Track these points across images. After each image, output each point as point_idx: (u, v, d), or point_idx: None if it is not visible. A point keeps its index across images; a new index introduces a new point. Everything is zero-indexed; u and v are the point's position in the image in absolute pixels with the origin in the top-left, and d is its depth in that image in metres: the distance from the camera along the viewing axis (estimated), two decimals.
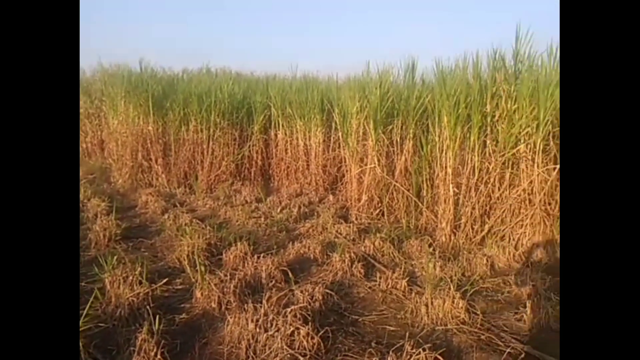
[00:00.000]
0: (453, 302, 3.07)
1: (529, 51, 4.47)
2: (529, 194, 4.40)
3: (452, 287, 3.17)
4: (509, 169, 4.55)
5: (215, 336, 2.86)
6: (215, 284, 3.27)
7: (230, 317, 2.84)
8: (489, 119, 4.60)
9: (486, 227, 4.57)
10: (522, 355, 2.66)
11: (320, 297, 3.21)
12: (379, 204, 5.73)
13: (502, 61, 4.55)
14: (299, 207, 6.00)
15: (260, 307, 2.87)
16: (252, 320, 2.76)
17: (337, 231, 4.95)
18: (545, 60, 4.43)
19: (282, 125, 7.73)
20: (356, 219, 5.58)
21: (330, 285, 3.57)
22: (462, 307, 3.06)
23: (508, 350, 2.70)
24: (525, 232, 4.35)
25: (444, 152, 4.79)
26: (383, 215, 5.64)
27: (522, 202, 4.45)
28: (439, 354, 2.51)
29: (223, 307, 3.18)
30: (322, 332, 2.78)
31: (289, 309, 2.84)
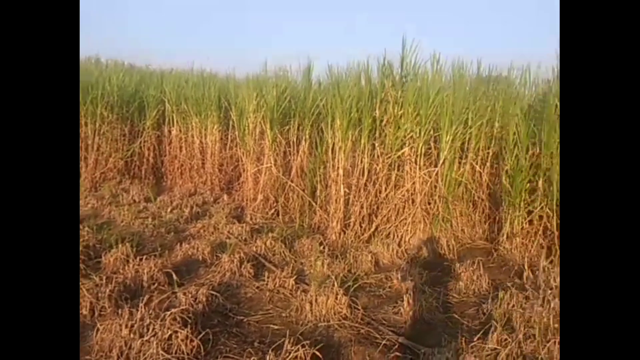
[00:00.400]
0: (336, 298, 3.15)
1: (414, 60, 4.77)
2: (411, 194, 4.69)
3: (336, 284, 3.26)
4: (395, 171, 4.81)
5: (84, 346, 2.64)
6: (87, 289, 3.03)
7: (101, 324, 2.64)
8: (378, 122, 4.82)
9: (373, 225, 4.78)
10: (396, 346, 2.81)
11: (204, 299, 3.12)
12: (275, 204, 5.74)
13: (390, 68, 4.80)
14: (191, 207, 5.79)
15: (137, 311, 2.71)
16: (126, 326, 2.60)
17: (229, 231, 4.86)
18: (429, 68, 4.78)
19: (177, 122, 7.42)
20: (251, 218, 5.53)
21: (217, 287, 3.49)
22: (344, 303, 3.16)
23: (384, 342, 2.83)
24: (407, 230, 4.63)
25: (337, 153, 4.93)
26: (278, 214, 5.65)
27: (406, 202, 4.72)
28: (319, 350, 2.56)
29: (96, 314, 2.96)
30: (202, 334, 2.70)
31: (168, 313, 2.71)
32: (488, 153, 5.05)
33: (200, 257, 4.16)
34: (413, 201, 4.67)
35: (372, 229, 4.77)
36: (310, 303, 3.14)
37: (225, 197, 6.47)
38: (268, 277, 3.66)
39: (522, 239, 4.49)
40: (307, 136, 5.56)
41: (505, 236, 4.57)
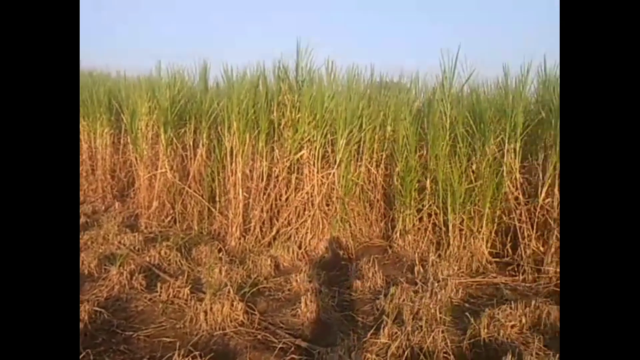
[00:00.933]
0: (232, 305, 3.09)
1: (309, 64, 4.85)
2: (311, 197, 4.76)
3: (232, 290, 3.19)
4: (295, 174, 4.84)
5: None
6: None
7: None
8: (276, 126, 4.82)
9: (274, 229, 4.77)
10: (292, 349, 2.82)
11: (87, 317, 2.88)
12: (171, 211, 5.49)
13: (285, 72, 4.83)
14: (79, 218, 5.34)
15: None
16: None
17: (120, 242, 4.56)
18: (323, 73, 4.88)
19: None
20: (145, 227, 5.24)
21: (103, 302, 3.25)
22: (241, 310, 3.10)
23: (280, 346, 2.83)
24: (307, 232, 4.68)
25: (235, 157, 4.85)
26: (175, 222, 5.42)
27: (306, 204, 4.78)
28: (213, 359, 2.49)
29: None
30: (82, 354, 2.49)
31: None
32: (382, 155, 5.28)
33: (85, 272, 3.84)
34: (312, 203, 4.74)
35: (273, 233, 4.76)
36: (205, 312, 3.04)
37: (117, 205, 6.06)
38: (161, 288, 3.49)
39: (414, 235, 4.76)
40: (205, 140, 5.40)
41: (398, 233, 4.81)
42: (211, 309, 3.04)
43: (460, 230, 4.49)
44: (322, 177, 4.76)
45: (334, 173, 4.74)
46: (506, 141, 4.35)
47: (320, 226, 4.72)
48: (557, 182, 4.11)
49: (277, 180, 4.81)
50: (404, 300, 3.33)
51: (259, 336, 2.96)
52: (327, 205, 4.81)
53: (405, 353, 2.69)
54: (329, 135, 4.79)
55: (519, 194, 4.37)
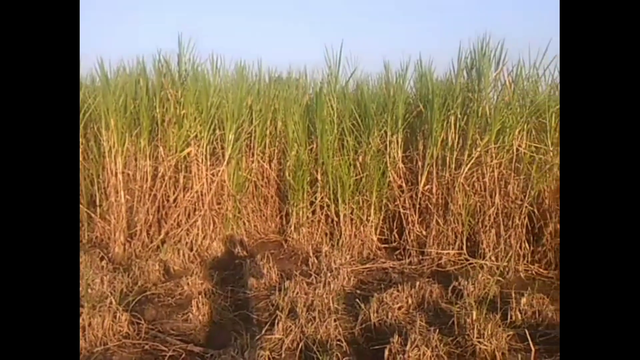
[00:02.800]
0: (115, 317, 2.86)
1: (192, 58, 4.66)
2: (200, 196, 4.59)
3: (114, 301, 2.96)
4: (182, 172, 4.63)
5: None
6: None
7: None
8: (159, 123, 4.56)
9: (162, 232, 4.52)
10: (183, 355, 2.69)
11: None
12: None
13: (167, 66, 4.59)
14: None
15: None
16: None
17: None
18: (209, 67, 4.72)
19: None
20: None
21: None
22: (125, 320, 2.89)
23: (170, 353, 2.69)
24: (199, 233, 4.52)
25: (114, 157, 4.50)
26: None
27: (196, 204, 4.60)
28: None
29: None
30: None
31: None
32: (274, 150, 5.26)
33: None
34: (203, 202, 4.57)
35: (161, 236, 4.51)
36: (84, 328, 2.78)
37: None
38: None
39: (308, 228, 4.82)
40: (82, 139, 4.94)
41: (293, 227, 4.84)
42: (90, 324, 2.79)
43: (351, 219, 4.64)
44: (212, 174, 4.61)
45: (224, 170, 4.62)
46: (389, 133, 4.58)
47: (212, 226, 4.58)
48: (435, 169, 4.43)
49: (163, 180, 4.57)
50: (297, 293, 3.35)
51: (147, 346, 2.78)
52: (219, 203, 4.68)
53: (300, 346, 2.71)
54: (217, 131, 4.66)
55: (402, 182, 4.63)
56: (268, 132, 5.18)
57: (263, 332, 2.84)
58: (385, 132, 4.61)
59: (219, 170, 4.60)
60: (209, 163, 4.59)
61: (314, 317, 2.93)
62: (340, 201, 4.60)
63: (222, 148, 4.69)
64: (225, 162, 4.59)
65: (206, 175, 4.54)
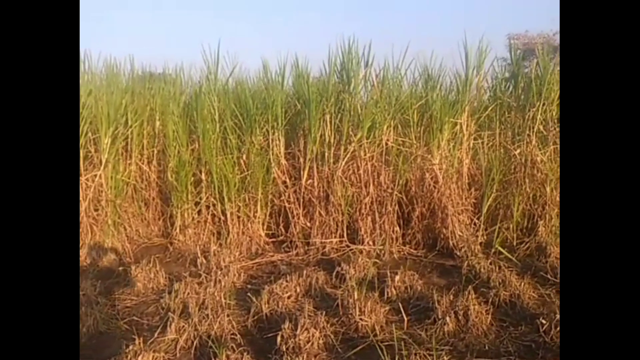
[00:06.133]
0: None
1: None
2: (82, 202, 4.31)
3: None
4: None
5: None
6: None
7: None
8: None
9: None
10: None
11: None
12: None
13: None
14: None
15: None
16: None
17: None
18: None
19: None
20: None
21: None
22: None
23: None
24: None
25: None
26: None
27: None
28: None
29: None
30: None
31: None
32: (153, 151, 5.11)
33: None
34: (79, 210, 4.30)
35: None
36: None
37: None
38: None
39: (194, 229, 4.79)
40: None
41: (178, 229, 4.78)
42: None
43: (238, 217, 4.72)
44: (87, 180, 4.35)
45: (100, 175, 4.39)
46: (270, 131, 4.75)
47: (90, 234, 4.34)
48: (315, 164, 4.71)
49: None
50: (188, 294, 3.37)
51: None
52: (96, 210, 4.43)
53: (194, 343, 2.76)
54: (89, 134, 4.40)
55: (286, 178, 4.83)
56: (145, 132, 5.02)
57: (156, 335, 2.83)
58: (267, 130, 4.77)
59: (95, 175, 4.36)
60: (83, 168, 4.33)
61: (207, 315, 2.99)
62: (226, 200, 4.65)
63: (97, 151, 4.45)
64: (102, 167, 4.36)
65: (81, 180, 4.27)
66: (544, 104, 4.55)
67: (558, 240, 4.23)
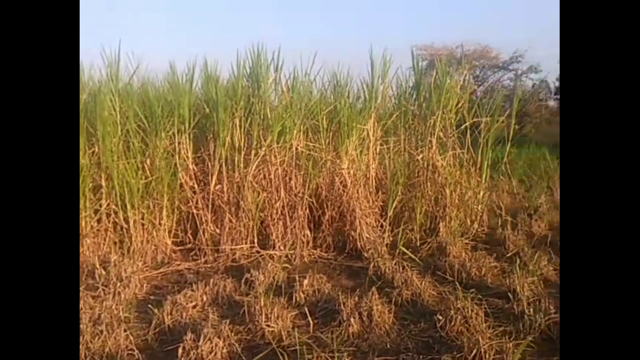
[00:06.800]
0: None
1: None
2: None
3: None
4: None
5: None
6: None
7: None
8: None
9: None
10: None
11: None
12: None
13: None
14: None
15: None
16: None
17: None
18: None
19: None
20: None
21: None
22: None
23: None
24: None
25: None
26: None
27: None
28: None
29: None
30: None
31: None
32: None
33: None
34: None
35: None
36: None
37: None
38: None
39: (93, 238, 4.47)
40: None
41: None
42: None
43: (142, 225, 4.49)
44: None
45: None
46: (177, 135, 4.57)
47: None
48: (225, 169, 4.61)
49: None
50: (81, 309, 3.13)
51: None
52: None
53: None
54: None
55: (194, 183, 4.68)
56: None
57: None
58: (174, 133, 4.59)
59: None
60: None
61: (101, 331, 2.80)
62: (129, 207, 4.40)
63: None
64: None
65: None
66: (443, 112, 4.84)
67: (456, 239, 4.52)
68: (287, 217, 4.57)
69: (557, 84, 22.94)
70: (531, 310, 3.05)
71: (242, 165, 4.59)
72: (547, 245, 4.52)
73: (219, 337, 2.71)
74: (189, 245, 4.67)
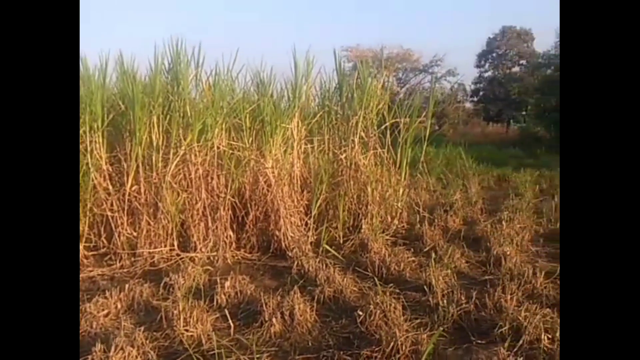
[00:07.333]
0: None
1: None
2: None
3: None
4: None
5: None
6: None
7: None
8: None
9: None
10: None
11: None
12: None
13: None
14: None
15: None
16: None
17: None
18: None
19: None
20: None
21: None
22: None
23: None
24: None
25: None
26: None
27: None
28: None
29: None
30: None
31: None
32: None
33: None
34: None
35: None
36: None
37: None
38: None
39: None
40: None
41: None
42: None
43: None
44: None
45: None
46: (88, 132, 4.30)
47: None
48: (142, 169, 4.40)
49: None
50: None
51: None
52: None
53: None
54: None
55: (108, 184, 4.42)
56: None
57: None
58: (85, 131, 4.30)
59: None
60: None
61: None
62: None
63: None
64: None
65: None
66: (365, 112, 4.96)
67: (377, 236, 4.65)
68: (209, 218, 4.46)
69: (473, 87, 24.34)
70: (445, 301, 3.21)
71: (160, 164, 4.41)
72: (461, 240, 4.79)
73: (132, 346, 2.58)
74: (103, 250, 4.41)
